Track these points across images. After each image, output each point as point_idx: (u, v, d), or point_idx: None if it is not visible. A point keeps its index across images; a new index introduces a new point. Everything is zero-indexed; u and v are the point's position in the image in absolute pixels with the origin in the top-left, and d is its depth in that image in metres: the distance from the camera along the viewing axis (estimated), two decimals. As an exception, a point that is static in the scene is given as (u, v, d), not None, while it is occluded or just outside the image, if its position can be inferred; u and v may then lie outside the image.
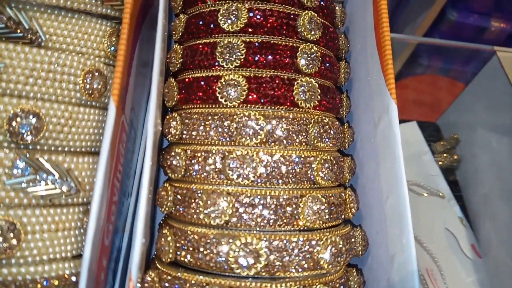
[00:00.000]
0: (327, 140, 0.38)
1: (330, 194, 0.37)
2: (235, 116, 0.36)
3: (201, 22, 0.40)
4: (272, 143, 0.36)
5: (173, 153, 0.38)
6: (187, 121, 0.39)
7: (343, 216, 0.39)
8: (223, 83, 0.37)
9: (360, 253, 0.38)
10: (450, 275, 0.75)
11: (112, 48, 0.40)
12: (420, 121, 0.94)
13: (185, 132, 0.39)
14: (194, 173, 0.37)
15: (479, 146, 0.86)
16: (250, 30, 0.39)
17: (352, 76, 0.46)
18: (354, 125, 0.45)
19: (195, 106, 0.39)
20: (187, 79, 0.40)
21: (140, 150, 0.47)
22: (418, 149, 0.90)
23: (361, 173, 0.42)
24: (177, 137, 0.39)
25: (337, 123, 0.41)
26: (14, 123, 0.34)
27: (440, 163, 0.88)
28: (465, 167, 0.88)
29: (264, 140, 0.36)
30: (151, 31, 0.52)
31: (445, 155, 0.90)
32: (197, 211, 0.36)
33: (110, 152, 0.32)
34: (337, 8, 0.45)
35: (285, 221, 0.35)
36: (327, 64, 0.41)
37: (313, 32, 0.40)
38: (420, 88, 1.19)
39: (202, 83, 0.38)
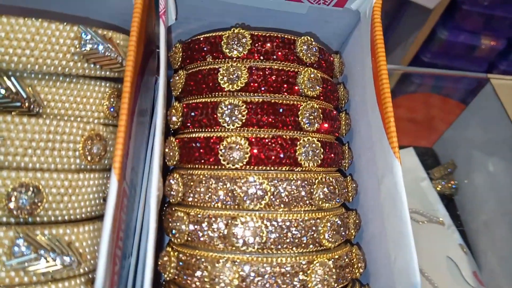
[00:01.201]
0: (331, 200, 0.38)
1: (337, 257, 0.37)
2: (238, 180, 0.36)
3: (201, 80, 0.40)
4: (277, 206, 0.36)
5: (175, 217, 0.38)
6: (189, 183, 0.38)
7: (350, 277, 0.38)
8: (225, 145, 0.37)
9: (369, 314, 0.38)
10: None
11: (112, 109, 0.40)
12: (417, 146, 0.94)
13: (187, 194, 0.38)
14: (197, 239, 0.36)
15: (476, 171, 0.86)
16: (250, 89, 0.39)
17: (352, 126, 0.46)
18: (356, 177, 0.44)
19: (197, 167, 0.38)
20: (188, 139, 0.39)
21: (140, 208, 0.46)
22: (415, 175, 0.90)
23: (366, 228, 0.42)
24: (178, 199, 0.39)
25: (341, 179, 0.40)
26: (13, 198, 0.33)
27: (438, 189, 0.88)
28: (463, 192, 0.88)
29: (269, 204, 0.36)
30: (149, 77, 0.51)
31: (443, 181, 0.90)
32: (202, 280, 0.35)
33: (112, 228, 0.31)
34: (335, 59, 0.45)
35: (292, 290, 0.34)
36: (329, 120, 0.40)
37: (313, 89, 0.40)
38: (413, 107, 1.20)
39: (204, 144, 0.38)
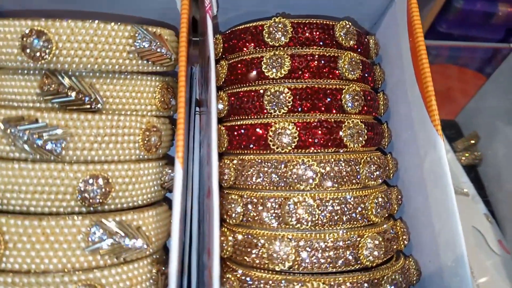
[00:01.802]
0: (376, 178, 0.40)
1: (385, 230, 0.39)
2: (288, 163, 0.38)
3: (244, 70, 0.42)
4: (326, 186, 0.38)
5: (229, 199, 0.40)
6: (240, 168, 0.40)
7: (396, 249, 0.41)
8: (274, 131, 0.39)
9: (415, 282, 0.40)
10: (480, 272, 0.76)
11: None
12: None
13: (239, 178, 0.40)
14: (252, 219, 0.39)
15: (500, 142, 0.87)
16: (293, 76, 0.40)
17: (390, 106, 0.47)
18: (396, 154, 0.46)
19: (247, 152, 0.41)
20: (236, 126, 0.41)
21: (188, 189, 0.49)
22: (439, 148, 0.90)
23: (408, 204, 0.44)
24: (231, 183, 0.41)
25: (382, 157, 0.42)
26: (84, 189, 0.36)
27: (462, 160, 0.89)
28: (486, 163, 0.90)
29: (318, 184, 0.38)
30: (188, 66, 0.53)
31: (466, 152, 0.91)
32: (260, 256, 0.38)
33: (181, 213, 0.34)
34: (370, 40, 0.47)
35: (345, 262, 0.37)
36: (369, 101, 0.42)
37: (353, 72, 0.41)
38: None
39: (252, 130, 0.40)
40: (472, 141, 0.91)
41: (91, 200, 0.36)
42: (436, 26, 1.38)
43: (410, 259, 0.41)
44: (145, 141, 0.39)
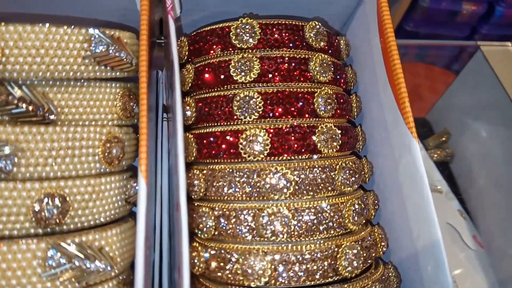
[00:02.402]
0: (352, 184, 0.38)
1: (363, 238, 0.38)
2: (261, 172, 0.36)
3: (212, 74, 0.40)
4: (301, 195, 0.36)
5: (200, 212, 0.38)
6: (210, 178, 0.38)
7: (374, 256, 0.39)
8: (245, 138, 0.37)
9: (395, 290, 0.39)
10: (455, 268, 0.76)
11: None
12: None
13: (209, 189, 0.38)
14: (225, 233, 0.37)
15: (470, 138, 0.88)
16: (263, 79, 0.39)
17: (362, 108, 0.46)
18: (370, 157, 0.45)
19: (217, 161, 0.38)
20: (205, 134, 0.39)
21: (157, 205, 0.46)
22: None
23: (384, 207, 0.43)
24: (201, 194, 0.39)
25: (358, 161, 0.41)
26: (39, 209, 0.33)
27: (434, 158, 0.90)
28: (459, 159, 0.90)
29: (293, 193, 0.36)
30: (151, 72, 0.51)
31: (438, 150, 0.91)
32: (234, 272, 0.35)
33: (145, 230, 0.31)
34: (341, 41, 0.45)
35: (324, 275, 0.35)
36: (342, 104, 0.41)
37: (325, 74, 0.40)
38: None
39: (222, 138, 0.38)
40: (443, 138, 0.92)
41: (47, 221, 0.33)
42: (403, 25, 1.39)
43: (390, 266, 0.40)
44: (106, 153, 0.36)
